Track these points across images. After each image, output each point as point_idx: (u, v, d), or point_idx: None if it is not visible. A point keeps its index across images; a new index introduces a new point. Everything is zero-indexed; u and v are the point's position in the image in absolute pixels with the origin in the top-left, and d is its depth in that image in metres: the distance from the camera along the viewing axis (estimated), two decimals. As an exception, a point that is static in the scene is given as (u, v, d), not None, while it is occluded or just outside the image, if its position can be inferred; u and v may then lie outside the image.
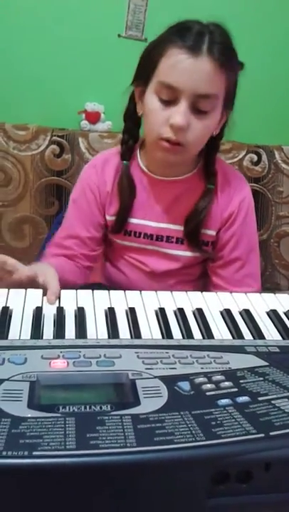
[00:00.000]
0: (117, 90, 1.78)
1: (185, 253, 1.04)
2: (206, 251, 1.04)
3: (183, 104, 0.86)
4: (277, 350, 0.66)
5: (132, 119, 1.01)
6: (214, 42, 0.85)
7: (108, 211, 1.05)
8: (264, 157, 1.78)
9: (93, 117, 1.77)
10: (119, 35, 1.71)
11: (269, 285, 1.85)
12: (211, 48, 0.85)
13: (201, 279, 1.10)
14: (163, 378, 0.56)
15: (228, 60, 0.87)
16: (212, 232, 1.03)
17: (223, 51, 0.86)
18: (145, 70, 0.92)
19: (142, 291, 0.79)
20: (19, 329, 0.67)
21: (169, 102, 0.87)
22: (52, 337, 0.66)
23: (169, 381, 0.55)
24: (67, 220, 1.09)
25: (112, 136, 1.73)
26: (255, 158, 1.77)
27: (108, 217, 1.06)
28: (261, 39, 1.74)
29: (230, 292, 0.83)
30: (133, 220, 1.03)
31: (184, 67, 0.84)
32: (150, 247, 1.05)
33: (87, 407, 0.50)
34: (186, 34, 0.85)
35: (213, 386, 0.55)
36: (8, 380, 0.54)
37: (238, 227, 1.02)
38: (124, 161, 1.02)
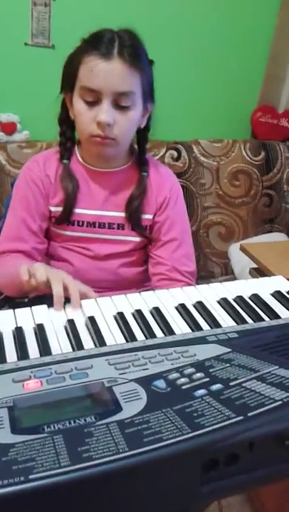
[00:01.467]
0: (30, 99, 1.77)
1: (126, 238, 1.12)
2: (146, 234, 1.12)
3: (105, 103, 0.96)
4: (236, 335, 0.69)
5: (66, 123, 1.08)
6: (123, 46, 0.95)
7: (51, 202, 1.09)
8: (183, 153, 1.84)
9: (9, 128, 1.73)
10: (25, 44, 1.69)
11: (204, 273, 1.92)
12: (121, 52, 0.94)
13: (144, 264, 1.18)
14: (138, 380, 0.57)
15: (137, 60, 0.96)
16: (149, 216, 1.11)
17: (133, 53, 0.95)
18: (68, 78, 1.01)
19: (98, 299, 0.80)
20: (-20, 356, 0.65)
21: (93, 103, 0.97)
22: (16, 359, 0.65)
23: (145, 382, 0.57)
24: (12, 219, 1.10)
25: (32, 146, 1.71)
26: (176, 154, 1.83)
27: (52, 208, 1.10)
28: (171, 39, 1.79)
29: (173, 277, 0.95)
30: (76, 210, 1.09)
31: (99, 71, 0.94)
32: (92, 234, 1.10)
33: (72, 421, 0.51)
34: (98, 42, 0.95)
35: (186, 380, 0.57)
36: (-16, 409, 0.53)
37: (171, 210, 1.12)
38: (64, 161, 1.09)
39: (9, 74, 1.71)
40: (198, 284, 0.91)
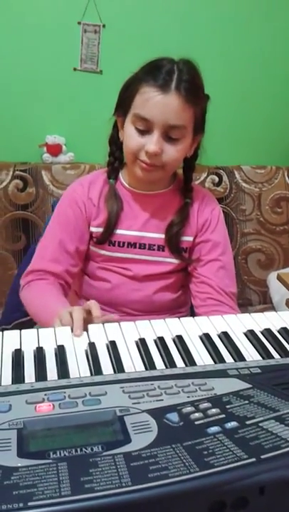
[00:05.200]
0: (76, 122, 1.82)
1: (165, 259, 1.13)
2: (184, 257, 1.13)
3: (155, 134, 0.97)
4: (259, 370, 0.67)
5: (116, 144, 1.11)
6: (182, 80, 0.96)
7: (93, 223, 1.11)
8: (225, 178, 1.83)
9: (55, 150, 1.78)
10: (74, 69, 1.74)
11: (241, 301, 1.88)
12: (179, 86, 0.96)
13: (180, 289, 1.18)
14: (151, 412, 0.56)
15: (193, 95, 0.97)
16: (189, 238, 1.13)
17: (190, 88, 0.96)
18: (123, 103, 1.04)
19: (121, 323, 0.79)
20: None
21: (144, 131, 0.99)
22: (34, 379, 0.65)
23: (157, 414, 0.56)
24: (49, 238, 1.12)
25: (75, 167, 1.75)
26: (217, 179, 1.82)
27: (93, 229, 1.11)
28: (216, 66, 1.80)
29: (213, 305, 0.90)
30: (117, 231, 1.11)
31: (155, 103, 0.96)
32: (132, 255, 1.12)
33: (78, 449, 0.50)
34: (156, 73, 0.97)
35: (201, 415, 0.56)
36: (-6, 429, 0.53)
37: (212, 232, 1.13)
38: (111, 180, 1.12)
39: (58, 97, 1.77)
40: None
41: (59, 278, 1.08)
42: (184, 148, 1.02)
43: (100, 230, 1.10)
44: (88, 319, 0.82)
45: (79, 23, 1.69)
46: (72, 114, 1.81)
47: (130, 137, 1.00)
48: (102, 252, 1.12)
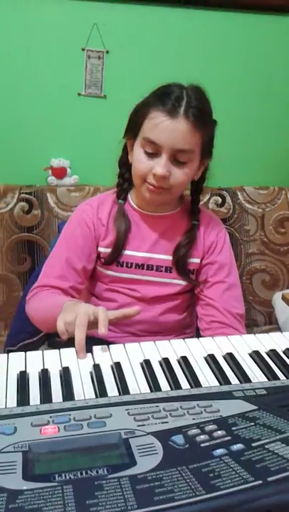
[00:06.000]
0: (81, 145, 1.84)
1: (173, 281, 1.13)
2: (192, 279, 1.13)
3: (164, 157, 0.99)
4: (265, 392, 0.67)
5: (126, 166, 1.13)
6: (190, 106, 0.98)
7: (101, 243, 1.12)
8: (228, 199, 1.84)
9: (59, 173, 1.80)
10: (79, 94, 1.78)
11: (247, 322, 1.87)
12: (187, 112, 0.98)
13: (186, 310, 1.18)
14: (156, 434, 0.56)
15: (201, 121, 0.99)
16: (196, 260, 1.13)
17: (198, 114, 0.98)
18: (133, 126, 1.06)
19: (126, 344, 0.79)
20: (5, 396, 0.66)
21: (153, 154, 1.01)
22: (39, 401, 0.65)
23: (163, 436, 0.55)
24: (56, 256, 1.13)
25: (80, 190, 1.77)
26: (220, 200, 1.84)
27: (101, 249, 1.12)
28: (219, 89, 1.83)
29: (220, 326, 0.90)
30: (125, 252, 1.11)
31: (163, 127, 0.98)
32: (140, 276, 1.12)
33: (84, 472, 0.50)
34: (166, 99, 0.99)
35: (206, 437, 0.55)
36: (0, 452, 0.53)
37: (218, 254, 1.14)
38: (120, 200, 1.13)
39: (63, 121, 1.80)
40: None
41: (66, 293, 1.08)
42: (191, 171, 1.03)
43: (108, 250, 1.11)
44: (93, 325, 0.82)
45: (83, 49, 1.72)
46: (76, 138, 1.83)
47: (139, 160, 1.02)
48: (110, 272, 1.13)
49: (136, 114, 1.05)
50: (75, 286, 1.10)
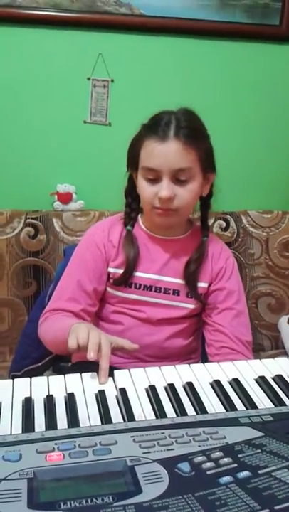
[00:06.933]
0: (86, 171, 1.87)
1: (180, 304, 1.13)
2: (200, 299, 1.13)
3: (165, 180, 1.02)
4: (271, 418, 0.66)
5: (131, 196, 1.16)
6: (180, 127, 1.01)
7: (112, 264, 1.14)
8: (232, 223, 1.85)
9: (65, 198, 1.82)
10: (84, 121, 1.81)
11: (253, 347, 1.86)
12: (177, 133, 1.01)
13: (192, 335, 1.18)
14: (162, 461, 0.55)
15: (193, 138, 1.02)
16: (204, 285, 1.13)
17: (188, 132, 1.01)
18: (132, 159, 1.10)
19: (131, 369, 0.79)
20: (10, 423, 0.66)
21: (155, 180, 1.04)
22: (44, 428, 0.65)
23: (169, 464, 0.55)
24: (67, 279, 1.14)
25: (85, 214, 1.78)
26: (224, 224, 1.84)
27: (111, 269, 1.13)
28: (222, 114, 1.87)
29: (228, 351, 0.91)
30: (135, 273, 1.12)
31: (157, 153, 1.02)
32: (148, 298, 1.12)
33: (89, 500, 0.49)
34: (156, 127, 1.03)
35: (212, 464, 0.55)
36: (4, 479, 0.53)
37: (226, 280, 1.14)
38: (128, 228, 1.15)
39: (68, 148, 1.83)
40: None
41: (78, 316, 1.09)
42: (194, 188, 1.05)
43: (118, 271, 1.12)
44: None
45: (88, 78, 1.76)
46: (82, 164, 1.86)
47: (143, 189, 1.06)
48: (118, 293, 1.14)
49: (132, 148, 1.09)
50: (86, 308, 1.11)
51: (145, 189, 1.05)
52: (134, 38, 1.77)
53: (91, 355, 0.80)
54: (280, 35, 1.84)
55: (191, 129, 1.02)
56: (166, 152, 1.01)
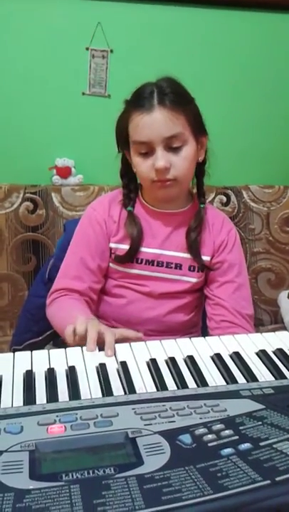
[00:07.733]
0: (85, 144, 1.84)
1: (182, 278, 1.13)
2: (205, 265, 1.12)
3: (158, 150, 1.00)
4: (272, 391, 0.66)
5: (127, 176, 1.15)
6: (163, 94, 1.00)
7: (112, 239, 1.13)
8: (233, 198, 1.84)
9: (64, 172, 1.80)
10: (83, 93, 1.78)
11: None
12: (162, 100, 1.00)
13: (193, 310, 1.18)
14: (163, 433, 0.56)
15: (179, 102, 1.01)
16: (206, 258, 1.13)
17: (173, 98, 1.00)
18: (121, 137, 1.08)
19: (132, 343, 0.79)
20: (11, 396, 0.66)
21: (148, 154, 1.02)
22: (45, 401, 0.65)
23: (170, 436, 0.55)
24: (71, 257, 1.14)
25: (84, 189, 1.76)
26: (225, 199, 1.83)
27: (112, 245, 1.13)
28: (224, 85, 1.83)
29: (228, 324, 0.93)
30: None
31: (144, 124, 1.00)
32: (150, 272, 1.12)
33: (91, 471, 0.49)
34: (139, 99, 1.02)
35: (214, 436, 0.55)
36: (6, 451, 0.53)
37: (228, 253, 1.14)
38: (128, 208, 1.13)
39: (67, 121, 1.80)
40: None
41: (83, 295, 1.10)
42: (189, 154, 1.03)
43: (120, 246, 1.12)
44: (100, 340, 0.81)
45: (87, 48, 1.72)
46: (81, 137, 1.83)
47: (139, 164, 1.04)
48: (121, 268, 1.13)
49: (120, 126, 1.08)
50: (91, 286, 1.12)
51: (140, 164, 1.04)
52: (134, 7, 1.73)
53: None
54: (281, 4, 1.79)
55: (176, 94, 1.01)
56: (153, 122, 0.99)
